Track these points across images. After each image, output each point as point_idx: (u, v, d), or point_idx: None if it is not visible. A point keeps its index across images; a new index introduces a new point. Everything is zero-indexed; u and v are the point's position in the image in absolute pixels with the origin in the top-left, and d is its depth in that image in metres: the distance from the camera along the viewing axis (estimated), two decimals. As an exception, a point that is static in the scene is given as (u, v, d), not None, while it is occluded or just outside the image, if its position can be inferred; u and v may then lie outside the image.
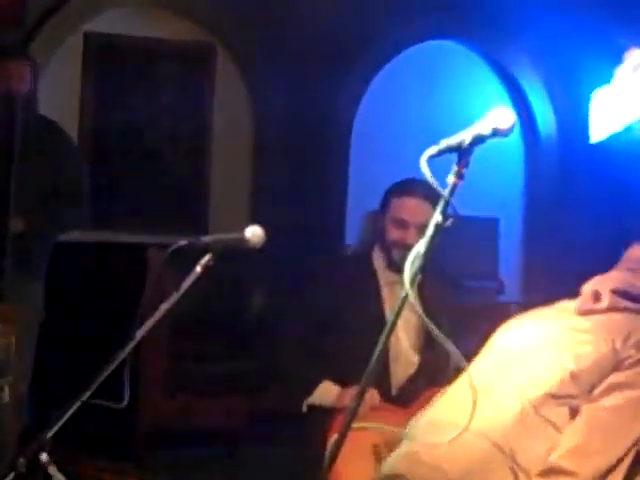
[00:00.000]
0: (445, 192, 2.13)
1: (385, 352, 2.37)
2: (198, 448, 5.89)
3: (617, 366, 2.63)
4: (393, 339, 3.69)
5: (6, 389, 4.54)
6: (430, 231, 2.16)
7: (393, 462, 2.76)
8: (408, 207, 3.80)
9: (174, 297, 2.75)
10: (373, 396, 3.61)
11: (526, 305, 3.07)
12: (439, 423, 2.70)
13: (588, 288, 2.89)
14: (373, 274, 3.88)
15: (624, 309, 2.78)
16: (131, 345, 2.68)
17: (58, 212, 5.04)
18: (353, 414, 2.20)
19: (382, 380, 3.71)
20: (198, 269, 2.79)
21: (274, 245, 3.01)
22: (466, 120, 2.23)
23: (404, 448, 2.74)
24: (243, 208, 7.38)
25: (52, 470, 2.55)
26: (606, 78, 3.05)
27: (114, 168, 7.16)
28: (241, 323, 6.41)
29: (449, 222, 2.15)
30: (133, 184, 7.20)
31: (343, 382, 3.69)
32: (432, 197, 3.59)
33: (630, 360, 2.63)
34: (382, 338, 2.18)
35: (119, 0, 7.12)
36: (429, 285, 3.64)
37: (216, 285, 4.86)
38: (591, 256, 3.96)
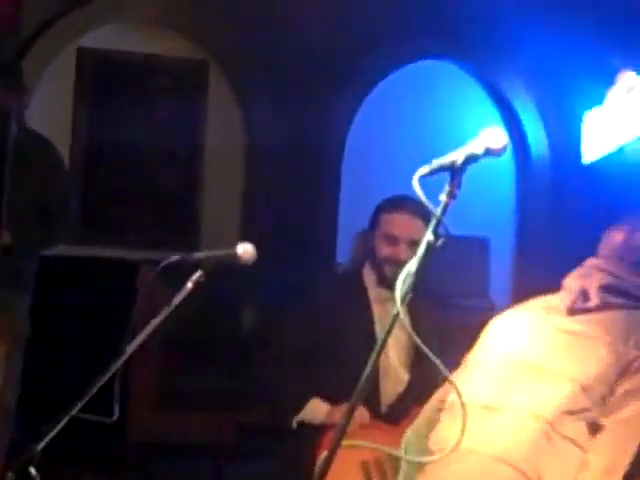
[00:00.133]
0: (437, 211, 2.12)
1: (375, 370, 2.37)
2: (187, 463, 5.87)
3: (624, 371, 2.59)
4: (383, 357, 3.67)
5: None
6: (422, 250, 2.15)
7: None
8: (399, 223, 3.79)
9: (165, 312, 2.75)
10: (362, 414, 3.60)
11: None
12: (442, 444, 2.67)
13: (572, 284, 2.84)
14: (364, 291, 3.87)
15: (618, 306, 2.73)
16: (122, 359, 2.68)
17: (46, 226, 5.01)
18: (342, 431, 2.19)
19: (372, 398, 3.70)
20: (189, 285, 2.80)
21: (265, 262, 3.01)
22: (459, 139, 2.23)
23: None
24: (235, 224, 7.39)
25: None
26: (598, 99, 3.07)
27: (106, 183, 7.16)
28: (230, 340, 6.40)
29: (441, 241, 2.14)
30: (125, 199, 7.20)
31: (333, 399, 3.68)
32: (422, 213, 3.63)
33: (636, 364, 2.59)
34: (372, 356, 2.17)
35: (113, 16, 7.14)
36: (418, 303, 3.62)
37: (207, 301, 4.85)
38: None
